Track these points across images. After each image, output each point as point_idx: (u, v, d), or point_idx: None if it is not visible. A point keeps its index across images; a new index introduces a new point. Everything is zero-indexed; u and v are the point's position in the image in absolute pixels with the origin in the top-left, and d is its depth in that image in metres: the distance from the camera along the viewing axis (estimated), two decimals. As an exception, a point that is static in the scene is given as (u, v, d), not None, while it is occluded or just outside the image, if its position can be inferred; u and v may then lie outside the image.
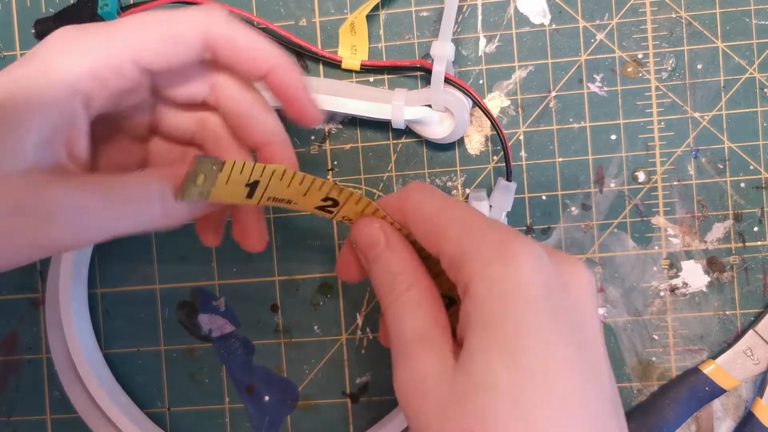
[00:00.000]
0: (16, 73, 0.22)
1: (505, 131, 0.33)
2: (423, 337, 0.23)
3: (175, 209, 0.23)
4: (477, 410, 0.20)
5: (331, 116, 0.34)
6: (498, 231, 0.22)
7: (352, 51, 0.33)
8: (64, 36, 0.22)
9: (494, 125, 0.32)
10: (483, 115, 0.33)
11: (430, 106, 0.31)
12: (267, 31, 0.34)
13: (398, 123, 0.32)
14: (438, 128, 0.32)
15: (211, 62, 0.25)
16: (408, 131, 0.34)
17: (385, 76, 0.34)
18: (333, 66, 0.34)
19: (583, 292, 0.22)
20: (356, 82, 0.34)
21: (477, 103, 0.31)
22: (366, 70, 0.33)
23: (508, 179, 0.32)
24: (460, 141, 0.34)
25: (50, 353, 0.34)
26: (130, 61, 0.23)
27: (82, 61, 0.22)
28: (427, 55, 0.33)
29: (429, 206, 0.23)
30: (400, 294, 0.23)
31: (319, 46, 0.34)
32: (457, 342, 0.22)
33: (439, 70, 0.30)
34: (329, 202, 0.24)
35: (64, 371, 0.34)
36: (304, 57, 0.34)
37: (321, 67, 0.34)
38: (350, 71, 0.34)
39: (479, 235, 0.22)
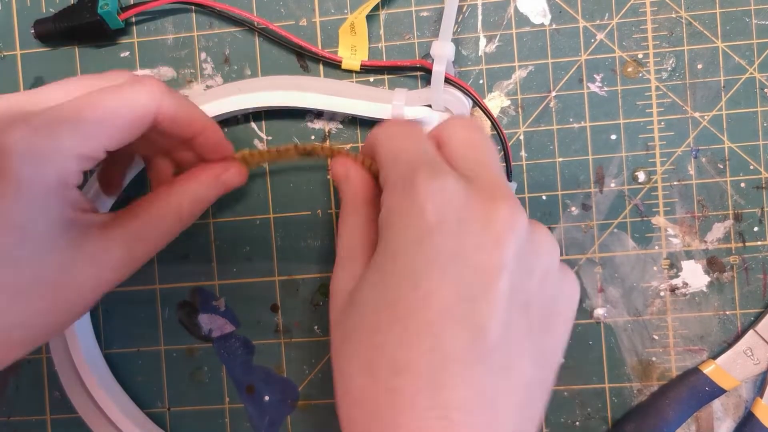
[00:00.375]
0: None
1: (505, 131, 0.33)
2: (349, 257, 0.26)
3: None
4: (347, 324, 0.24)
5: (331, 116, 0.34)
6: (413, 163, 0.24)
7: (352, 51, 0.33)
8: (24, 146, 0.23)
9: (494, 125, 0.32)
10: (483, 115, 0.33)
11: (430, 106, 0.31)
12: (266, 32, 0.34)
13: None
14: None
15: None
16: (408, 131, 0.34)
17: (386, 77, 0.34)
18: (333, 66, 0.34)
19: (495, 236, 0.23)
20: (356, 82, 0.34)
21: (477, 103, 0.31)
22: (366, 70, 0.33)
23: (509, 179, 0.32)
24: (460, 141, 0.34)
25: (50, 353, 0.34)
26: (97, 154, 0.25)
27: (51, 172, 0.24)
28: (427, 55, 0.33)
29: (384, 135, 0.27)
30: (344, 217, 0.28)
31: (320, 46, 0.34)
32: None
33: (439, 69, 0.30)
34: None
35: (64, 371, 0.34)
36: (304, 57, 0.34)
37: (321, 67, 0.34)
38: (350, 71, 0.34)
39: (400, 164, 0.25)
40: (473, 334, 0.21)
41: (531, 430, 0.23)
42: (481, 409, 0.21)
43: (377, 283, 0.23)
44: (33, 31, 0.34)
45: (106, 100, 0.25)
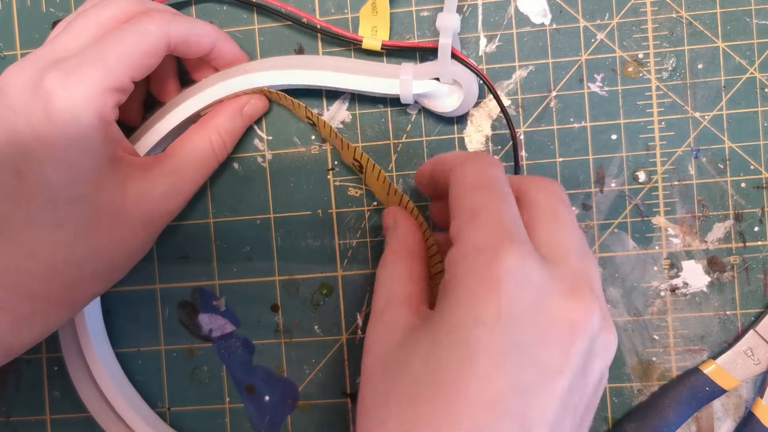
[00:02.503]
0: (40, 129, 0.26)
1: (505, 131, 0.33)
2: (389, 309, 0.25)
3: None
4: (384, 383, 0.23)
5: (332, 116, 0.34)
6: (497, 231, 0.22)
7: (373, 32, 0.33)
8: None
9: (505, 114, 0.31)
10: (482, 115, 0.33)
11: (437, 79, 0.31)
12: (270, 8, 0.33)
13: (407, 98, 0.31)
14: (447, 101, 0.32)
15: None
16: (411, 127, 0.34)
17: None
18: (353, 46, 0.33)
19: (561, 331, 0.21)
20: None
21: (488, 86, 0.31)
22: (387, 50, 0.33)
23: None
24: (461, 141, 0.33)
25: (51, 353, 0.34)
26: (126, 85, 0.28)
27: (89, 108, 0.26)
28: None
29: (468, 181, 0.24)
30: (385, 265, 0.27)
31: (320, 46, 0.34)
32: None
33: (445, 42, 0.30)
34: (358, 164, 0.32)
35: (75, 369, 0.34)
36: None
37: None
38: (371, 52, 0.33)
39: (483, 227, 0.23)
40: (518, 430, 0.20)
41: None
42: None
43: (428, 352, 0.21)
44: (52, 29, 0.34)
45: (123, 39, 0.27)
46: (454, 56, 0.31)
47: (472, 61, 0.31)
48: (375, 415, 0.22)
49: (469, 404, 0.20)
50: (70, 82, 0.26)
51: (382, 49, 0.32)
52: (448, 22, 0.30)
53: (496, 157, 0.26)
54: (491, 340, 0.20)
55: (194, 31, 0.30)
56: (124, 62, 0.27)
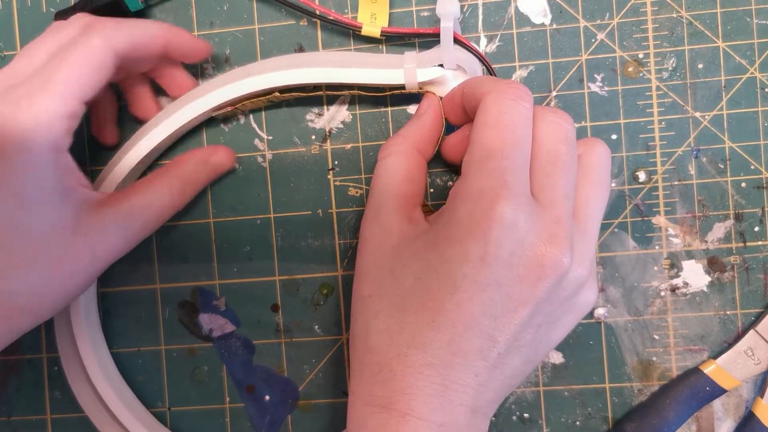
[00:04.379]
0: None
1: (505, 131, 0.33)
2: (397, 205, 0.28)
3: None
4: (382, 285, 0.27)
5: (332, 116, 0.34)
6: (502, 178, 0.25)
7: (372, 19, 0.33)
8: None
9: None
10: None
11: (441, 66, 0.31)
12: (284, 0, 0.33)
13: (412, 86, 0.31)
14: (453, 86, 0.31)
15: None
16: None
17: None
18: (352, 32, 0.33)
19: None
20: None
21: (485, 65, 0.31)
22: (387, 37, 0.33)
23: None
24: (461, 141, 0.33)
25: (51, 353, 0.34)
26: (76, 109, 0.27)
27: (40, 137, 0.26)
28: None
29: (497, 112, 0.27)
30: (397, 153, 0.30)
31: (320, 46, 0.34)
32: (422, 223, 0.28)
33: (447, 26, 0.30)
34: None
35: (71, 368, 0.34)
36: (320, 24, 0.34)
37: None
38: (370, 39, 0.33)
39: (493, 167, 0.26)
40: (485, 342, 0.25)
41: (494, 409, 0.27)
42: (471, 390, 0.25)
43: (419, 273, 0.26)
44: (55, 21, 0.34)
45: (67, 59, 0.27)
46: (456, 41, 0.31)
47: (474, 45, 0.31)
48: (369, 306, 0.27)
49: (448, 320, 0.25)
50: (19, 111, 0.25)
51: (381, 35, 0.32)
52: (449, 7, 0.30)
53: (526, 88, 0.27)
54: (474, 276, 0.24)
55: (139, 32, 0.29)
56: (71, 85, 0.26)
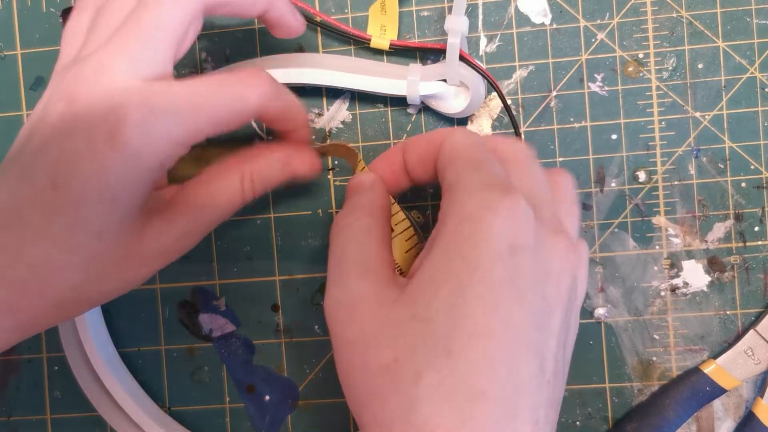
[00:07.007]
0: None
1: (506, 131, 0.33)
2: (362, 264, 0.25)
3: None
4: (407, 340, 0.21)
5: (333, 116, 0.34)
6: (492, 178, 0.24)
7: (381, 30, 0.33)
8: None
9: (509, 114, 0.32)
10: (482, 116, 0.33)
11: (445, 81, 0.31)
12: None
13: (413, 99, 0.31)
14: (454, 102, 0.32)
15: None
16: (411, 127, 0.34)
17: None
18: (360, 44, 0.33)
19: (555, 263, 0.23)
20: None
21: (494, 87, 0.31)
22: (395, 50, 0.33)
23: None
24: (461, 141, 0.33)
25: (51, 353, 0.34)
26: (197, 141, 0.25)
27: (155, 154, 0.24)
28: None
29: (465, 143, 0.25)
30: (357, 219, 0.26)
31: (320, 46, 0.34)
32: (406, 279, 0.24)
33: (453, 42, 0.30)
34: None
35: (79, 368, 0.34)
36: (329, 34, 0.34)
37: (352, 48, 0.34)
38: (379, 51, 0.33)
39: (482, 174, 0.24)
40: (540, 363, 0.21)
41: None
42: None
43: (447, 307, 0.21)
44: (61, 20, 0.34)
45: (218, 98, 0.25)
46: (461, 58, 0.31)
47: (479, 63, 0.31)
48: (404, 372, 0.21)
49: (502, 343, 0.21)
50: (150, 121, 0.23)
51: (390, 48, 0.32)
52: (457, 24, 0.30)
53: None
54: (510, 275, 0.21)
55: (287, 114, 0.27)
56: (209, 123, 0.25)
